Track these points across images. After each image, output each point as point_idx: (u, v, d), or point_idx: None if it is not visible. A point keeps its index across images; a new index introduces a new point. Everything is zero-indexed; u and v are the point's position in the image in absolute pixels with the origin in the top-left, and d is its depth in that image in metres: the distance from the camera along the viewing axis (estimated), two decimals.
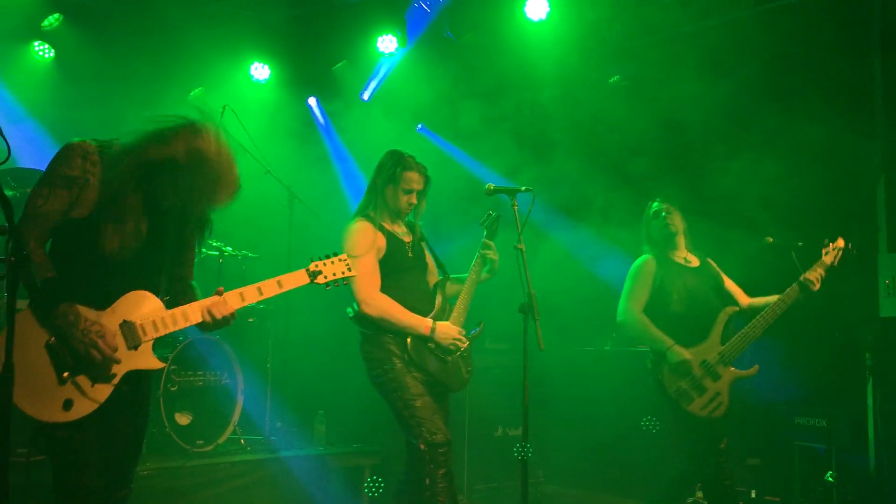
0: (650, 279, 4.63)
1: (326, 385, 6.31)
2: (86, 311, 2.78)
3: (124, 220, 2.82)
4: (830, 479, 4.28)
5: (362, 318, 3.96)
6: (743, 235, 5.85)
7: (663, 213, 4.74)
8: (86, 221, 2.79)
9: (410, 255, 4.15)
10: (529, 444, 3.92)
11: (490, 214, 4.34)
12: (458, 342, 4.03)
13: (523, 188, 3.98)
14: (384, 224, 4.11)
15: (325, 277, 3.23)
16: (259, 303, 6.26)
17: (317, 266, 3.24)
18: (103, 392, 2.79)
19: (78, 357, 2.74)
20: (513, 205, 3.94)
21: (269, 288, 3.10)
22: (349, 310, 4.02)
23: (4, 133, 2.50)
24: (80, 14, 6.49)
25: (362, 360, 4.06)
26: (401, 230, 4.21)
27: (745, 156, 5.96)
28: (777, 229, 5.11)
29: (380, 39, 7.00)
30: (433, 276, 4.33)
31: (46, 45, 6.72)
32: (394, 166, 4.12)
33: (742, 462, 5.93)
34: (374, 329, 3.98)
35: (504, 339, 6.36)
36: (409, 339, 3.95)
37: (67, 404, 2.73)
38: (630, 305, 4.60)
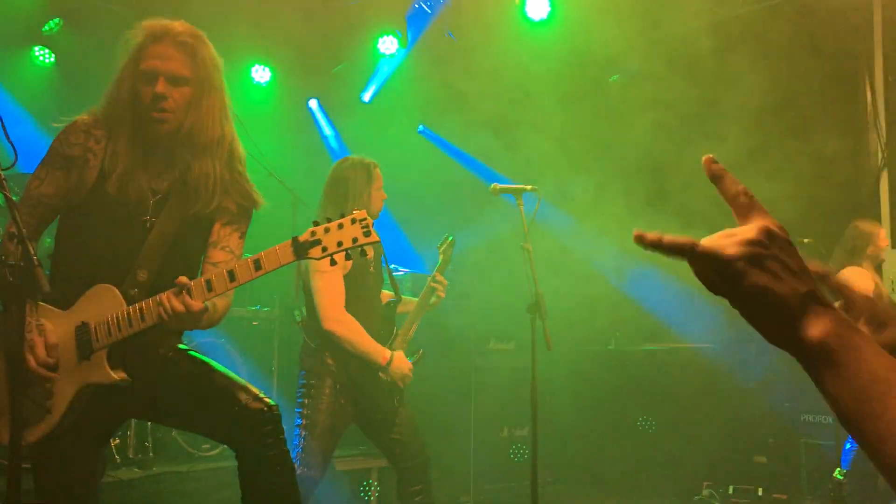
0: None
1: None
2: (47, 312, 2.42)
3: (132, 169, 2.47)
4: (840, 476, 4.27)
5: (315, 331, 3.78)
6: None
7: None
8: (78, 206, 2.53)
9: (372, 270, 3.97)
10: (538, 444, 3.90)
11: (447, 239, 4.21)
12: (406, 378, 3.87)
13: (529, 188, 3.97)
14: None
15: (326, 249, 2.32)
16: (262, 305, 6.30)
17: (313, 234, 2.33)
18: (49, 419, 2.37)
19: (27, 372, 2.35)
20: (519, 204, 3.93)
21: (244, 271, 2.35)
22: (297, 314, 3.85)
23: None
24: (79, 19, 6.48)
25: (299, 363, 3.92)
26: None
27: (741, 154, 5.96)
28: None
29: (381, 41, 7.00)
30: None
31: (47, 50, 6.72)
32: (366, 168, 3.93)
33: (748, 460, 5.93)
34: (321, 343, 3.78)
35: (509, 339, 6.34)
36: (357, 363, 3.77)
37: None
38: None
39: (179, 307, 2.31)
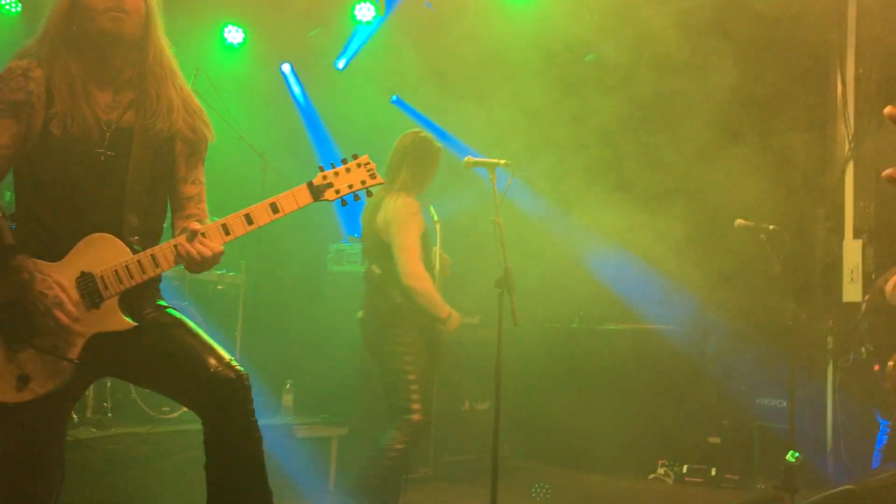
0: None
1: (294, 356, 6.28)
2: (38, 266, 2.36)
3: (74, 104, 2.43)
4: (792, 458, 4.36)
5: (398, 286, 4.01)
6: (711, 221, 5.93)
7: None
8: (31, 154, 2.45)
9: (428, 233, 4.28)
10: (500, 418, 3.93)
11: (431, 209, 4.58)
12: (453, 333, 4.24)
13: (502, 162, 3.97)
14: None
15: (338, 192, 2.50)
16: (227, 269, 6.23)
17: (325, 178, 2.50)
18: (61, 368, 2.35)
19: (30, 325, 2.33)
20: (491, 179, 3.92)
21: (261, 214, 2.45)
22: (375, 268, 4.10)
23: None
24: None
25: (377, 321, 4.11)
26: None
27: (714, 142, 6.01)
28: (744, 215, 5.16)
29: (358, 7, 6.90)
30: None
31: (14, 0, 6.54)
32: (434, 145, 4.35)
33: (703, 440, 6.04)
34: (407, 300, 4.03)
35: (474, 313, 6.36)
36: (427, 320, 4.09)
37: (22, 381, 2.33)
38: None
39: (205, 251, 2.40)
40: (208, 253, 2.40)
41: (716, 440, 6.01)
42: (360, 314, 4.27)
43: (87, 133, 2.47)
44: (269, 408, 5.90)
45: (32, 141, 2.46)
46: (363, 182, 2.54)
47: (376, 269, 4.11)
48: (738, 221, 4.98)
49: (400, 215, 4.03)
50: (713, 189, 5.94)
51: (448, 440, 5.98)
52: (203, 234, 2.40)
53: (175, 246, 2.41)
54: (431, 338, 4.14)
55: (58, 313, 2.32)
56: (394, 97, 7.74)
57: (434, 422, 5.89)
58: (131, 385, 4.92)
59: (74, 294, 2.39)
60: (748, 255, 5.65)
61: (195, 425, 2.59)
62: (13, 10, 6.58)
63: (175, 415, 5.13)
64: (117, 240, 2.44)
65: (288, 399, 5.93)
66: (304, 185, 2.49)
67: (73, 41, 2.50)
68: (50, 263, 2.40)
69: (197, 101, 2.73)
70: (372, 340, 4.18)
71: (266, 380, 6.13)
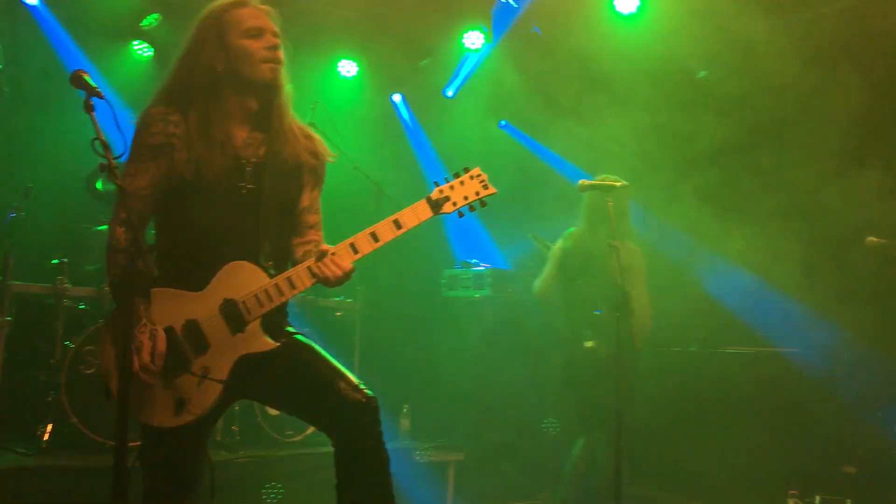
0: None
1: (411, 380, 6.36)
2: (181, 297, 2.52)
3: (210, 152, 2.57)
4: None
5: (636, 324, 4.40)
6: (835, 241, 5.66)
7: None
8: (177, 189, 2.59)
9: None
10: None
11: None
12: None
13: (618, 184, 3.93)
14: None
15: (455, 204, 2.62)
16: (345, 296, 6.39)
17: (441, 192, 2.62)
18: (212, 390, 2.49)
19: (178, 353, 2.48)
20: (607, 201, 3.89)
21: (385, 231, 2.57)
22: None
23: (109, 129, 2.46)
24: (177, 13, 6.67)
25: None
26: None
27: (834, 162, 5.75)
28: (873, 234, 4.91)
29: (466, 35, 7.01)
30: None
31: (146, 44, 6.96)
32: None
33: (837, 470, 5.73)
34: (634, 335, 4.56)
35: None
36: None
37: (179, 406, 2.47)
38: None
39: (337, 271, 2.53)
40: (339, 272, 2.54)
41: (851, 469, 5.68)
42: (589, 344, 4.73)
43: (218, 177, 2.59)
44: (387, 432, 5.96)
45: (174, 182, 2.59)
46: (477, 193, 2.64)
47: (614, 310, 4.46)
48: (869, 239, 4.75)
49: (637, 264, 4.57)
50: (834, 210, 5.68)
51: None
52: (333, 254, 2.54)
53: (309, 268, 2.54)
54: None
55: (133, 357, 2.36)
56: (502, 121, 7.79)
57: (553, 449, 5.88)
58: (257, 410, 5.11)
59: (219, 320, 2.52)
60: (880, 275, 5.36)
61: (318, 449, 2.68)
62: (145, 53, 7.00)
63: (298, 438, 5.28)
64: (255, 266, 2.57)
65: (405, 423, 6.00)
66: (424, 200, 2.60)
67: (216, 84, 2.64)
68: (193, 293, 2.54)
69: (310, 129, 2.87)
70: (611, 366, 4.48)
71: (383, 404, 6.20)
